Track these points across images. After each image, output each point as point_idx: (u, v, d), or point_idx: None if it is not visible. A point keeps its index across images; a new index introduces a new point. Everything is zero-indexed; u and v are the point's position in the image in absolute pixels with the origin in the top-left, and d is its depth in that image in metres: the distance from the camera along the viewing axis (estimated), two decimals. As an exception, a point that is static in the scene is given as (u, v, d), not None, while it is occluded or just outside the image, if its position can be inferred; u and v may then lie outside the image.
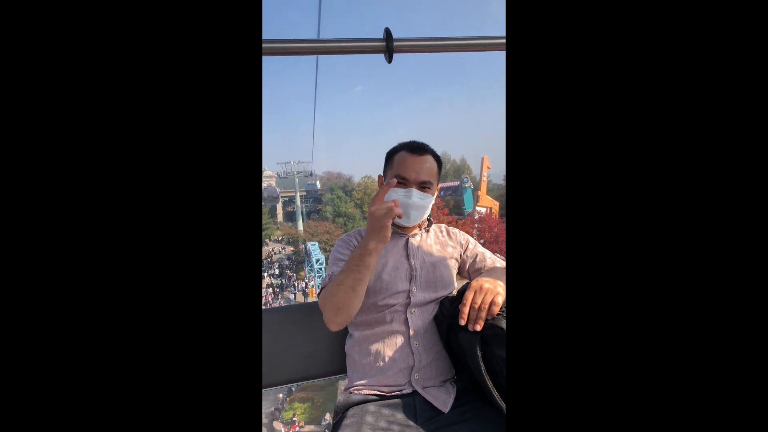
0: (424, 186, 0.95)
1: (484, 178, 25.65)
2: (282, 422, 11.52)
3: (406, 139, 1.02)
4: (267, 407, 11.72)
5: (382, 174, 1.04)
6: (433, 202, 0.98)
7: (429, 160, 0.97)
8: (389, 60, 0.73)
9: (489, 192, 26.37)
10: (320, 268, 19.07)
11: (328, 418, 11.26)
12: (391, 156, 1.00)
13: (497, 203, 25.39)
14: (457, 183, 28.20)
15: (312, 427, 11.59)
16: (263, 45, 0.70)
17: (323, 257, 19.56)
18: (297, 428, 11.36)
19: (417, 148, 0.97)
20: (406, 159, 0.96)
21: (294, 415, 11.59)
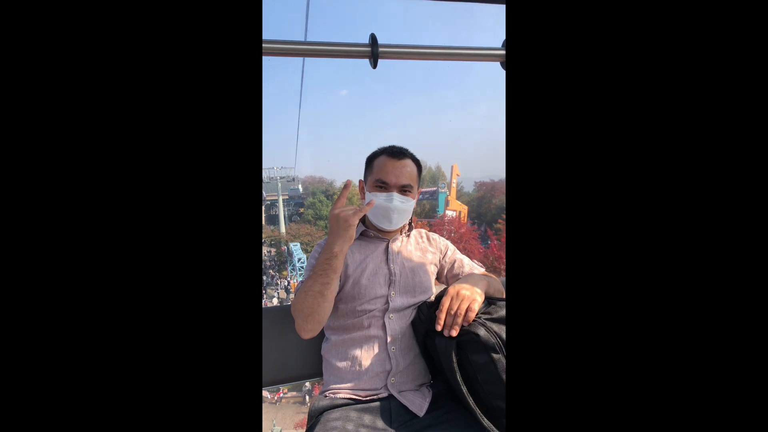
0: (404, 190, 0.92)
1: (454, 185, 27.08)
2: (267, 390, 12.83)
3: (388, 144, 0.99)
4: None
5: (362, 179, 0.99)
6: (414, 205, 0.96)
7: (409, 164, 0.94)
8: (374, 65, 0.71)
9: (459, 197, 27.93)
10: (302, 267, 19.58)
11: (308, 384, 12.99)
12: (371, 161, 0.97)
13: (465, 207, 26.85)
14: (435, 188, 29.71)
15: (294, 393, 13.44)
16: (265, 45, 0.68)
17: (305, 256, 20.12)
18: (281, 394, 13.00)
19: (397, 153, 0.94)
20: (386, 163, 0.93)
21: (278, 383, 13.28)
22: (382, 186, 0.92)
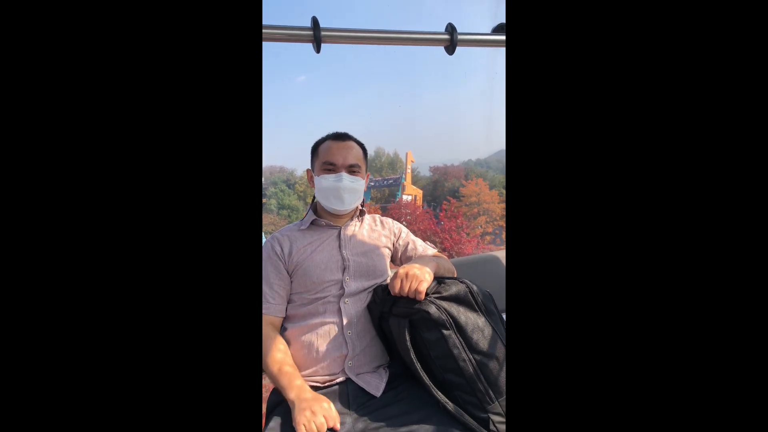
0: (352, 170, 0.90)
1: (408, 170, 27.51)
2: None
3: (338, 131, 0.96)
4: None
5: (309, 168, 0.97)
6: (364, 186, 0.93)
7: (354, 146, 0.92)
8: (317, 50, 0.68)
9: (415, 183, 28.41)
10: None
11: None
12: (316, 147, 0.94)
13: (420, 192, 27.41)
14: (398, 176, 30.06)
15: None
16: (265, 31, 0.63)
17: (270, 246, 19.88)
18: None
19: (341, 135, 0.93)
20: (332, 146, 0.91)
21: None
22: (331, 168, 0.90)
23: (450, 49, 0.73)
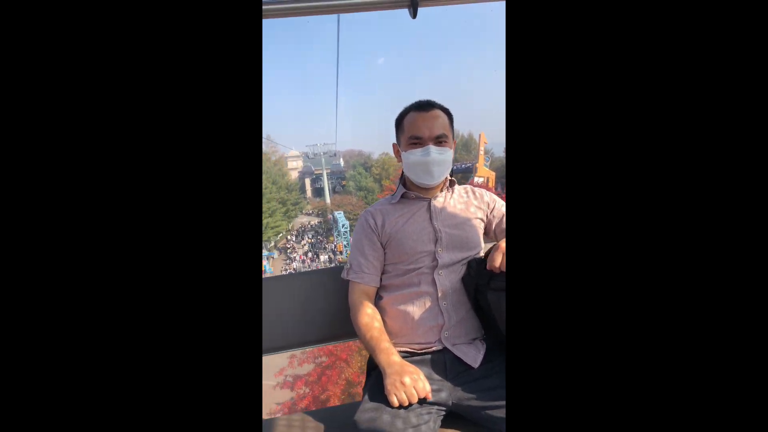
0: (439, 140, 0.85)
1: (481, 152, 26.25)
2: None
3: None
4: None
5: (395, 143, 0.92)
6: (452, 155, 0.87)
7: (439, 114, 0.86)
8: (414, 14, 0.64)
9: (490, 164, 27.13)
10: (345, 231, 19.96)
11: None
12: (400, 120, 0.89)
13: (493, 173, 26.05)
14: (474, 161, 29.13)
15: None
16: (265, 6, 0.62)
17: (348, 222, 20.55)
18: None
19: (425, 105, 0.87)
20: (416, 118, 0.85)
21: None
22: (417, 141, 0.85)
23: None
